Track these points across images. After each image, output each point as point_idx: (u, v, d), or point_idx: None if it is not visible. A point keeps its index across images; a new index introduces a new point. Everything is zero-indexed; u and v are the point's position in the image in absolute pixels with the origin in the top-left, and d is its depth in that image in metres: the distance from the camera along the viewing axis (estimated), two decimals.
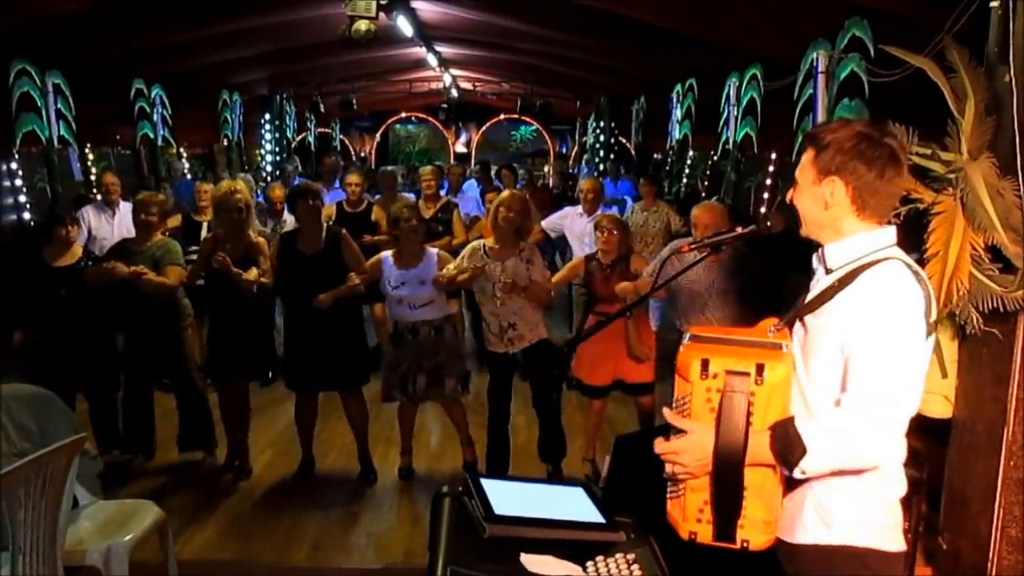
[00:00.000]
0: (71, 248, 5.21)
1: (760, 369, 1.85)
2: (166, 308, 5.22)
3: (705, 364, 1.87)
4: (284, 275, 5.07)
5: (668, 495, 2.02)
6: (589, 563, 1.96)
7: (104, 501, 3.72)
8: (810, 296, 2.09)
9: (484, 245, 5.04)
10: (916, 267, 1.98)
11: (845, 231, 2.02)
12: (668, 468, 1.97)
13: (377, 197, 8.04)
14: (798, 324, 2.09)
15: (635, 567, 1.95)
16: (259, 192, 9.71)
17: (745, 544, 1.92)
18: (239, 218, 5.05)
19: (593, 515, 2.13)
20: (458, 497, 2.12)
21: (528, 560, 1.91)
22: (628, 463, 2.91)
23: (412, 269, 5.03)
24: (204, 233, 6.65)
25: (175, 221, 6.78)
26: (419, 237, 5.15)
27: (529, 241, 5.37)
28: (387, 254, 5.15)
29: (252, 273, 4.92)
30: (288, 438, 5.50)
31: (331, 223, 5.69)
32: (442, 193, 7.99)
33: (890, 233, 2.03)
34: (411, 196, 8.33)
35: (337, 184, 8.57)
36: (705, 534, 1.94)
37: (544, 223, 7.20)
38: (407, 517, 4.82)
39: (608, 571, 1.94)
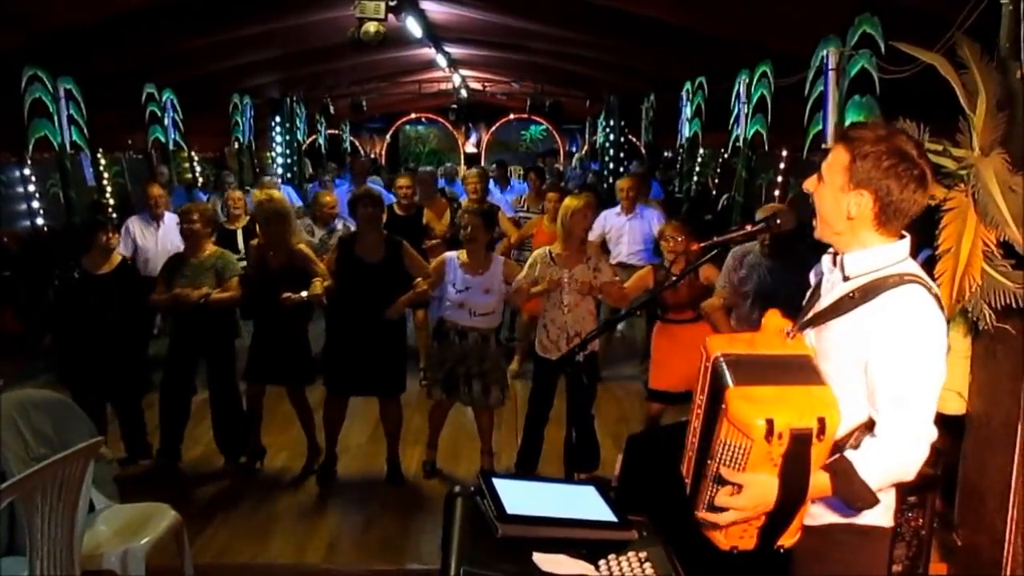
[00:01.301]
0: (110, 256, 5.27)
1: (822, 425, 1.86)
2: (223, 323, 5.31)
3: (770, 426, 1.83)
4: (343, 281, 5.09)
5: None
6: (602, 562, 1.96)
7: (120, 505, 3.75)
8: (825, 301, 2.10)
9: (550, 252, 5.01)
10: (933, 287, 2.02)
11: (863, 241, 2.04)
12: (722, 521, 1.96)
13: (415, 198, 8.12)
14: (810, 328, 2.11)
15: (647, 565, 1.95)
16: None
17: (781, 547, 2.01)
18: (271, 229, 5.11)
19: (606, 514, 2.13)
20: (470, 497, 2.12)
21: (541, 559, 1.91)
22: (640, 461, 2.93)
23: (479, 276, 5.05)
24: (240, 240, 6.71)
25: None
26: (483, 245, 5.15)
27: (595, 247, 5.40)
28: (453, 255, 5.16)
29: (316, 286, 4.96)
30: (304, 441, 5.51)
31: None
32: (463, 197, 8.02)
33: (905, 246, 2.04)
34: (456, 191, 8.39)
35: (370, 184, 8.56)
36: (747, 546, 2.00)
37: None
38: (422, 518, 4.82)
39: (621, 570, 1.94)
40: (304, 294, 4.93)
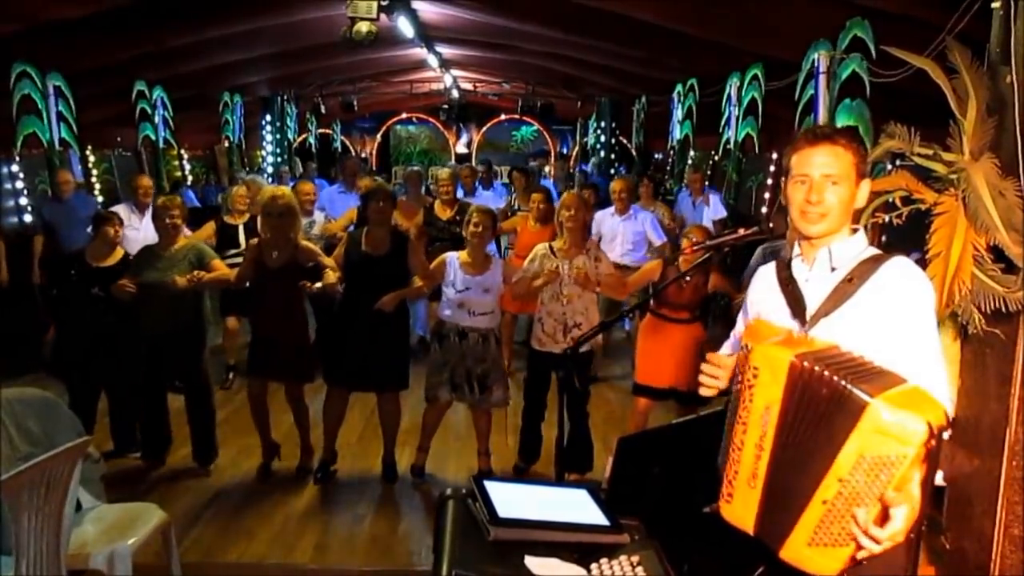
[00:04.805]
0: (114, 250, 5.27)
1: (947, 417, 1.77)
2: (193, 326, 5.28)
3: (931, 429, 1.69)
4: (349, 275, 5.10)
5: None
6: (594, 565, 1.95)
7: (107, 504, 3.72)
8: (818, 296, 2.14)
9: (551, 246, 5.08)
10: None
11: (847, 231, 2.17)
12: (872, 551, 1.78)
13: (404, 196, 8.22)
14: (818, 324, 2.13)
15: (639, 569, 1.94)
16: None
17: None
18: (282, 222, 5.07)
19: (598, 517, 2.13)
20: (463, 500, 2.12)
21: (533, 563, 1.91)
22: (631, 463, 2.92)
23: (478, 276, 5.06)
24: (241, 236, 6.67)
25: (210, 230, 6.78)
26: (487, 243, 5.19)
27: (594, 240, 5.45)
28: (454, 256, 5.18)
29: (330, 276, 4.97)
30: (292, 440, 5.49)
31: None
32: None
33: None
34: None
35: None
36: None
37: None
38: (412, 519, 4.82)
39: (612, 573, 1.94)
40: (319, 284, 4.94)
